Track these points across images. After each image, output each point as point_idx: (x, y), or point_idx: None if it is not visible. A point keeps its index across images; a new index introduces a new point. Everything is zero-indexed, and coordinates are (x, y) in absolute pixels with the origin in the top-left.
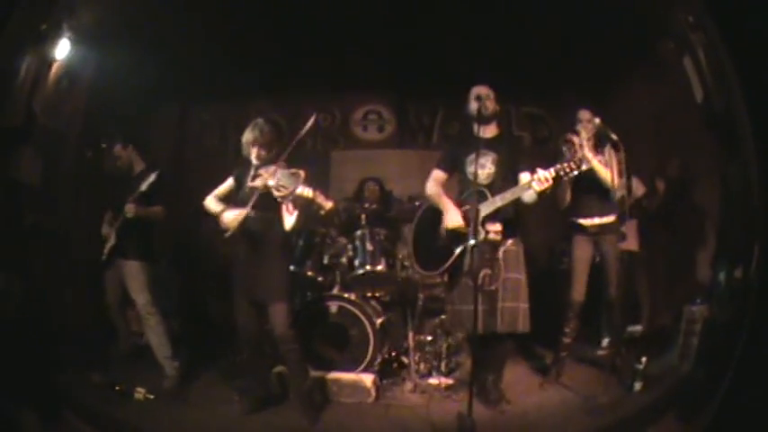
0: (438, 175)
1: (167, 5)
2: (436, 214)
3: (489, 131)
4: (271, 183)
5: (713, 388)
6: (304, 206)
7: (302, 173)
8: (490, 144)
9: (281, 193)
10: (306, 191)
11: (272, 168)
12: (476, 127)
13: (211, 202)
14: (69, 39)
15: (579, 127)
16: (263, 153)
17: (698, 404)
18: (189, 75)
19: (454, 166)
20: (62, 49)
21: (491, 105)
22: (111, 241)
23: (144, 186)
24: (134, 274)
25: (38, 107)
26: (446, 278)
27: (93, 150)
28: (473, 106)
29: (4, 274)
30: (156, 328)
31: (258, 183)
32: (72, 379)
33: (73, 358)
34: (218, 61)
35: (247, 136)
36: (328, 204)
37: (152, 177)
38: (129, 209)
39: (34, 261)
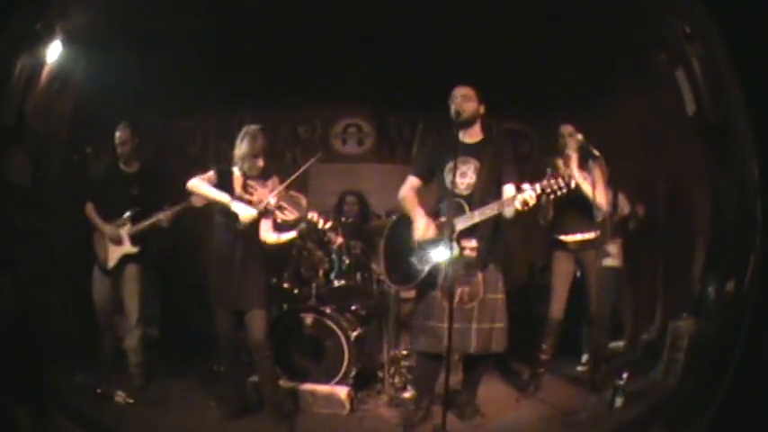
0: (412, 181)
1: (158, 12)
2: (408, 224)
3: (471, 136)
4: (272, 201)
5: (701, 404)
6: (302, 232)
7: (304, 199)
8: (472, 150)
9: (287, 217)
10: (318, 219)
11: (269, 184)
12: (454, 131)
13: (203, 186)
14: (61, 41)
15: (563, 141)
16: (260, 164)
17: (684, 420)
18: (173, 82)
19: (431, 173)
20: (54, 52)
21: (468, 107)
22: (126, 246)
23: (196, 201)
24: (137, 279)
25: (29, 109)
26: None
27: (78, 154)
28: (451, 108)
29: None
30: (138, 334)
31: (255, 197)
32: (59, 380)
33: (59, 359)
34: (202, 70)
35: (244, 148)
36: (338, 240)
37: None
38: (167, 217)
39: (22, 263)
